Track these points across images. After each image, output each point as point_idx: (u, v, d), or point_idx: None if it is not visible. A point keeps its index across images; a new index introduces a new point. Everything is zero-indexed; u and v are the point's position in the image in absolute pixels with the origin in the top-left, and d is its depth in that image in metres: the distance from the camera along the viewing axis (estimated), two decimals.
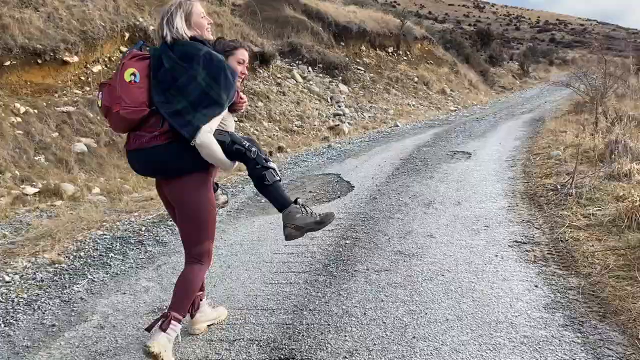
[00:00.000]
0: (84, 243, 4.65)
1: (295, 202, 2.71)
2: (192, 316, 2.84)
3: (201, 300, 2.89)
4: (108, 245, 4.59)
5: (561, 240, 4.01)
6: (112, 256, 4.33)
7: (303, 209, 2.69)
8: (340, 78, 18.35)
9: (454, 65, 27.08)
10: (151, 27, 11.78)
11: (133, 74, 2.41)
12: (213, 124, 2.47)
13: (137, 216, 5.62)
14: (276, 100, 14.23)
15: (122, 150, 9.02)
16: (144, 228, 5.09)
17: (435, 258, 3.83)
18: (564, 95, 20.21)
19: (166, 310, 2.52)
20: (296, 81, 16.20)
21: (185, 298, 2.55)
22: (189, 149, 2.42)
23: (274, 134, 12.23)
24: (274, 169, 2.68)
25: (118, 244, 4.64)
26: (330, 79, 17.79)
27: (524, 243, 4.05)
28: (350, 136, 12.59)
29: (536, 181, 5.93)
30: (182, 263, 2.75)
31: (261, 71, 15.34)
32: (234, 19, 16.98)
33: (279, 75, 15.90)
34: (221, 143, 2.51)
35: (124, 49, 11.36)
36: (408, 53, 24.27)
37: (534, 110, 15.11)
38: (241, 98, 2.74)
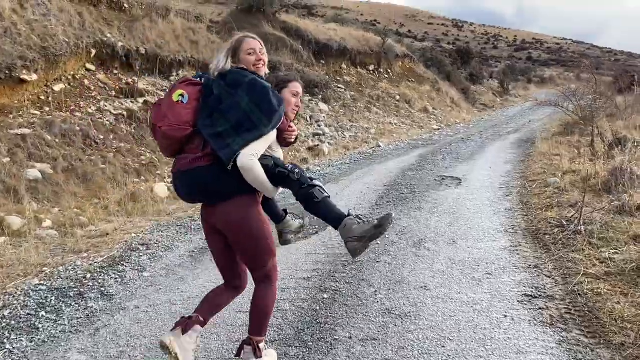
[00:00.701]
0: (14, 297, 3.89)
1: (348, 214, 2.61)
2: (183, 332, 2.54)
3: (200, 325, 2.63)
4: (41, 300, 3.83)
5: (579, 294, 3.38)
6: (43, 316, 3.57)
7: (358, 219, 2.60)
8: (321, 97, 17.80)
9: (435, 83, 26.80)
10: (120, 44, 11.09)
11: (182, 95, 2.50)
12: (259, 148, 2.47)
13: (85, 258, 4.86)
14: None
15: (81, 176, 8.30)
16: (89, 275, 4.34)
17: (432, 320, 3.17)
18: (547, 113, 19.94)
19: (247, 338, 2.60)
20: None
21: (262, 321, 2.63)
22: (232, 173, 2.42)
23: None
24: (320, 187, 2.64)
25: (54, 297, 3.88)
26: (310, 98, 17.21)
27: (536, 297, 3.41)
28: (330, 157, 11.97)
29: (537, 214, 5.34)
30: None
31: None
32: (211, 36, 16.38)
33: None
34: (264, 167, 2.49)
35: (90, 66, 10.64)
36: (389, 71, 23.90)
37: (520, 130, 14.69)
38: (290, 127, 2.72)
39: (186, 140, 2.48)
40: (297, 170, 2.60)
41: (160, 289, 3.98)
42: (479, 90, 34.30)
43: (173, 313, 3.52)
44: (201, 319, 2.62)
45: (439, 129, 18.24)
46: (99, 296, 3.89)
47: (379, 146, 13.04)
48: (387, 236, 4.95)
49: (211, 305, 2.73)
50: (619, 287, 3.38)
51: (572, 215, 4.81)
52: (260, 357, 2.54)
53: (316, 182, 2.64)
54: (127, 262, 4.62)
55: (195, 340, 2.55)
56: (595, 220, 4.58)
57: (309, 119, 15.62)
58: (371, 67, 22.77)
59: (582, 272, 3.68)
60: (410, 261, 4.23)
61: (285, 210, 3.00)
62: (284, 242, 3.00)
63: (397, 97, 21.44)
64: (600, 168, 6.23)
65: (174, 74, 12.53)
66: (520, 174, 7.64)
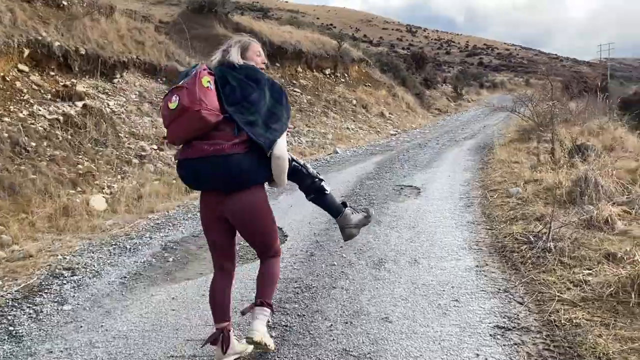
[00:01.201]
0: None
1: (345, 205, 3.06)
2: (224, 352, 2.69)
3: (229, 331, 2.76)
4: None
5: (556, 325, 3.03)
6: None
7: (352, 210, 3.08)
8: None
9: (391, 88, 26.76)
10: (57, 43, 10.26)
11: (209, 81, 2.55)
12: (284, 140, 2.66)
13: None
14: None
15: (7, 188, 7.50)
16: None
17: None
18: (501, 118, 20.15)
19: (258, 299, 2.74)
20: None
21: (272, 286, 2.84)
22: (263, 161, 2.57)
23: None
24: (325, 181, 3.02)
25: None
26: None
27: (509, 330, 3.04)
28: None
29: (501, 228, 5.03)
30: None
31: None
32: (159, 36, 15.62)
33: None
34: None
35: (23, 67, 9.78)
36: (346, 75, 23.65)
37: (476, 136, 14.64)
38: None
39: (214, 126, 2.51)
40: (308, 166, 2.96)
41: (81, 326, 3.40)
42: (433, 95, 34.62)
43: (93, 357, 2.96)
44: (225, 325, 2.74)
45: (395, 134, 18.07)
46: (6, 338, 3.28)
47: (337, 152, 12.66)
48: (344, 256, 4.53)
49: (222, 304, 2.78)
50: (599, 316, 3.05)
51: (540, 231, 4.51)
52: (267, 317, 2.78)
53: (322, 177, 3.02)
54: (46, 292, 4.01)
55: (232, 342, 2.77)
56: (565, 236, 4.29)
57: None
58: (327, 71, 22.45)
59: (556, 298, 3.34)
60: (370, 286, 3.81)
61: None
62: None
63: (354, 102, 21.19)
64: (563, 177, 6.02)
65: (117, 75, 11.77)
66: (480, 183, 7.39)
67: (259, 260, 2.87)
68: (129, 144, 10.07)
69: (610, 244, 4.07)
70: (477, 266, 4.11)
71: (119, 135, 10.07)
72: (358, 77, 24.72)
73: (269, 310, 2.77)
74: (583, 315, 3.08)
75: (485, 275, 3.91)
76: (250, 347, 2.83)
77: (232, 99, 2.57)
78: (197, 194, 8.41)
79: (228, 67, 2.66)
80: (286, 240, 5.12)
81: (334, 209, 3.03)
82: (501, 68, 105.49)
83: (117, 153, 9.47)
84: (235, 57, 2.68)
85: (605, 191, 5.23)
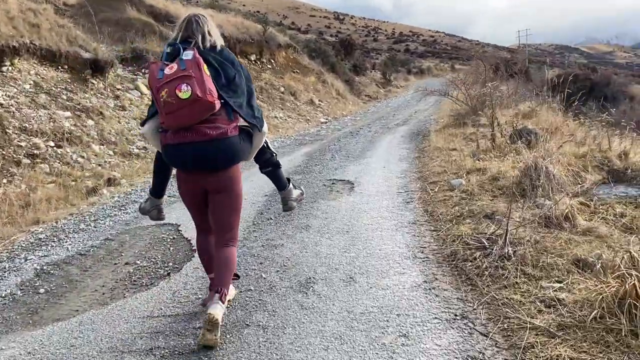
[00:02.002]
0: None
1: (289, 180, 3.52)
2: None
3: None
4: None
5: None
6: None
7: (293, 186, 3.56)
8: (150, 92, 16.05)
9: (320, 75, 26.01)
10: None
11: (207, 68, 2.63)
12: None
13: None
14: (113, 117, 11.53)
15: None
16: None
17: None
18: (431, 103, 19.91)
19: (217, 288, 2.81)
20: (141, 93, 13.54)
21: (230, 275, 2.93)
22: (249, 140, 2.89)
23: (106, 161, 9.62)
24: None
25: None
26: None
27: None
28: None
29: (448, 229, 4.33)
30: None
31: (94, 82, 12.49)
32: (60, 20, 13.92)
33: (118, 87, 13.14)
34: None
35: None
36: (272, 61, 22.61)
37: (409, 122, 14.13)
38: None
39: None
40: (268, 141, 3.20)
41: None
42: (362, 81, 34.29)
43: None
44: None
45: (326, 122, 17.32)
46: None
47: None
48: (264, 276, 3.65)
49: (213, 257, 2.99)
50: (586, 352, 2.36)
51: (494, 232, 3.84)
52: (223, 302, 2.79)
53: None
54: None
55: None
56: (523, 238, 3.64)
57: None
58: (253, 57, 21.31)
59: (528, 325, 2.63)
60: (295, 319, 2.96)
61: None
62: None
63: (282, 89, 20.22)
64: (509, 166, 5.44)
65: (7, 63, 10.19)
66: (417, 174, 6.72)
67: (217, 248, 2.96)
68: (18, 141, 8.63)
69: (577, 246, 3.46)
70: (425, 282, 3.36)
71: (6, 131, 8.61)
72: (286, 63, 23.75)
73: (224, 305, 2.81)
74: (566, 351, 2.38)
75: (437, 295, 3.16)
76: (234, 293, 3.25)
77: (219, 83, 2.68)
78: (95, 198, 7.25)
79: (205, 48, 2.73)
80: (193, 256, 4.17)
81: (282, 183, 3.43)
82: (427, 54, 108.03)
83: (3, 152, 8.06)
84: (219, 37, 2.82)
85: (558, 181, 4.67)
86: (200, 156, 2.68)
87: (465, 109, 10.54)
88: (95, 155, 9.69)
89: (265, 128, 2.93)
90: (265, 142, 3.14)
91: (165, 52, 2.73)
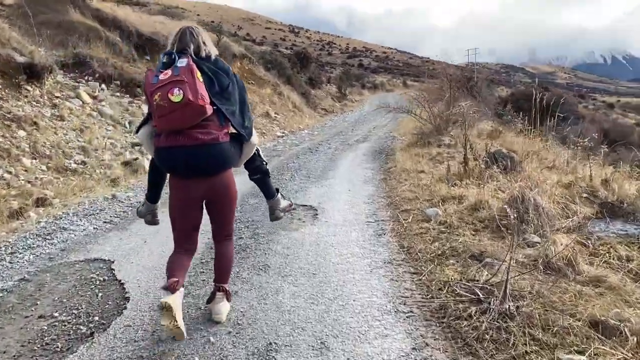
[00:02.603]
0: None
1: (277, 190, 3.57)
2: (173, 291, 2.78)
3: (179, 284, 2.86)
4: None
5: None
6: None
7: (282, 196, 3.60)
8: (144, 98, 15.03)
9: (276, 87, 25.38)
10: None
11: (200, 75, 2.74)
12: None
13: None
14: (49, 127, 10.44)
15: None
16: None
17: None
18: (388, 119, 19.59)
19: (218, 285, 3.11)
20: (82, 102, 12.45)
21: (230, 270, 3.18)
22: (239, 147, 3.00)
23: (37, 177, 8.57)
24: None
25: None
26: (131, 99, 14.32)
27: None
28: None
29: (431, 272, 3.72)
30: None
31: (29, 89, 11.35)
32: None
33: (57, 95, 12.02)
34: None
35: None
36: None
37: (369, 139, 13.61)
38: None
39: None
40: (260, 149, 3.32)
41: None
42: (318, 94, 33.88)
43: None
44: (180, 280, 2.83)
45: (283, 136, 16.64)
46: None
47: None
48: (212, 341, 2.91)
49: (181, 267, 2.93)
50: None
51: (487, 280, 3.26)
52: (229, 300, 3.18)
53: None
54: None
55: (181, 297, 2.83)
56: (523, 289, 3.07)
57: (128, 125, 12.80)
58: None
59: None
60: None
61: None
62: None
63: None
64: (487, 195, 4.93)
65: None
66: (386, 199, 6.13)
67: (216, 243, 3.15)
68: None
69: (589, 302, 2.91)
70: (414, 349, 2.72)
71: None
72: (240, 74, 22.97)
73: (229, 303, 3.12)
74: None
75: None
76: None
77: (213, 90, 2.79)
78: (18, 223, 6.26)
79: (198, 57, 2.85)
80: (125, 306, 3.39)
81: (270, 191, 3.48)
82: (379, 70, 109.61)
83: None
84: (213, 47, 2.97)
85: (547, 214, 4.17)
86: (191, 160, 2.74)
87: (429, 128, 10.12)
88: (26, 170, 8.63)
89: (254, 138, 3.03)
90: (257, 150, 3.25)
91: (161, 61, 2.83)
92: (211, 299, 3.12)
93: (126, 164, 10.40)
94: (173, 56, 2.76)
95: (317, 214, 5.54)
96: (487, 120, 12.77)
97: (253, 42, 73.02)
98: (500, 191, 5.02)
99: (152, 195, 3.37)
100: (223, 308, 3.04)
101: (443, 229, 4.57)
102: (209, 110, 2.70)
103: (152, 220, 3.49)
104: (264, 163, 3.38)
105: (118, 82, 14.61)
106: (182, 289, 2.84)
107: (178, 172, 2.84)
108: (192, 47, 2.84)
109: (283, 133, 17.54)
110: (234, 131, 2.91)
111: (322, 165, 8.92)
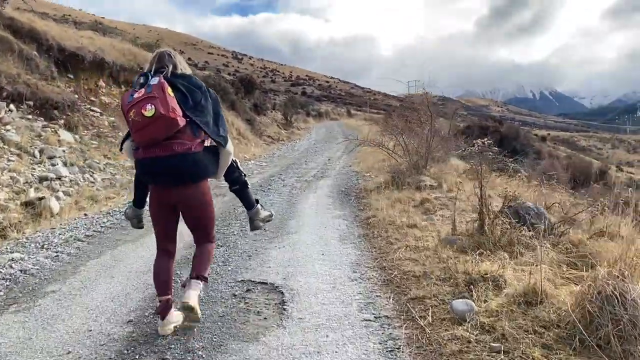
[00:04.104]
0: None
1: (257, 201, 3.77)
2: (162, 318, 3.14)
3: (171, 302, 3.19)
4: None
5: None
6: None
7: (261, 206, 3.78)
8: (63, 122, 12.74)
9: None
10: None
11: (171, 91, 2.96)
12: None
13: None
14: None
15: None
16: None
17: None
18: (340, 149, 18.07)
19: (195, 274, 3.18)
20: None
21: (208, 263, 3.31)
22: (214, 157, 3.19)
23: None
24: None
25: None
26: (46, 123, 11.97)
27: None
28: (61, 222, 7.45)
29: None
30: None
31: None
32: None
33: None
34: None
35: None
36: None
37: (327, 174, 11.86)
38: None
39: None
40: (237, 161, 3.55)
41: None
42: (264, 121, 32.25)
43: None
44: (170, 297, 3.18)
45: None
46: None
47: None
48: None
49: (167, 278, 3.20)
50: None
51: None
52: (199, 289, 3.20)
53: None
54: None
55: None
56: None
57: (37, 154, 10.48)
58: None
59: None
60: None
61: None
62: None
63: None
64: (544, 278, 3.30)
65: None
66: (380, 272, 4.35)
67: (197, 245, 3.34)
68: None
69: None
70: None
71: None
72: None
73: (201, 283, 3.18)
74: None
75: None
76: (180, 318, 3.21)
77: (187, 105, 2.99)
78: None
79: (174, 75, 3.09)
80: None
81: (250, 202, 3.71)
82: (323, 98, 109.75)
83: None
84: (187, 68, 3.23)
85: None
86: (166, 169, 2.96)
87: (403, 164, 8.53)
88: None
89: (229, 146, 3.21)
90: (235, 162, 3.49)
91: (138, 82, 3.01)
92: (185, 284, 3.20)
93: (27, 204, 8.14)
94: (148, 76, 3.00)
95: (284, 303, 3.69)
96: (453, 156, 11.43)
97: (195, 67, 70.54)
98: (556, 270, 3.42)
99: (137, 201, 3.57)
100: (193, 294, 3.10)
101: (492, 342, 2.87)
102: (182, 122, 2.91)
103: (138, 224, 3.68)
104: (243, 175, 3.60)
105: (31, 103, 12.26)
106: (172, 304, 3.16)
107: (155, 181, 3.09)
108: (170, 67, 3.08)
109: None
110: (208, 144, 3.09)
111: (280, 211, 7.06)
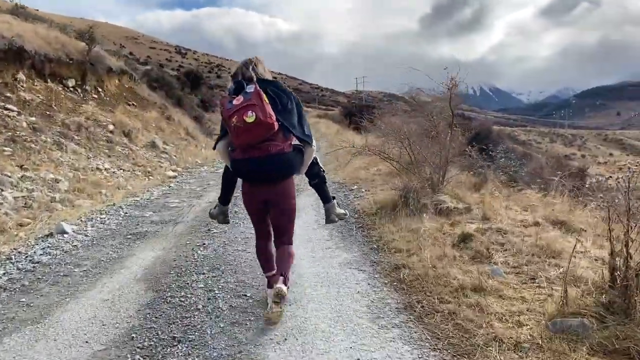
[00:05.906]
0: None
1: (334, 197, 4.07)
2: (270, 287, 3.52)
3: (277, 277, 3.50)
4: None
5: None
6: None
7: (337, 202, 4.10)
8: (222, 119, 9.95)
9: (164, 109, 20.88)
10: None
11: (266, 98, 3.18)
12: None
13: None
14: None
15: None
16: None
17: None
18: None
19: (281, 272, 3.43)
20: None
21: (290, 265, 3.58)
22: (300, 156, 3.43)
23: None
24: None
25: None
26: None
27: None
28: None
29: None
30: None
31: None
32: None
33: None
34: None
35: None
36: (100, 90, 16.98)
37: (305, 186, 9.75)
38: None
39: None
40: (317, 156, 3.78)
41: None
42: (213, 118, 29.72)
43: None
44: (276, 271, 3.53)
45: (175, 177, 12.33)
46: None
47: (63, 233, 6.45)
48: None
49: (269, 256, 3.67)
50: None
51: None
52: (287, 285, 3.46)
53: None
54: None
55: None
56: None
57: None
58: (70, 82, 15.47)
59: None
60: None
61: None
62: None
63: (111, 127, 14.64)
64: None
65: None
66: None
67: (277, 247, 3.57)
68: None
69: None
70: None
71: None
72: (118, 93, 18.22)
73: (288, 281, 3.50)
74: None
75: None
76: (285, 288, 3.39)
77: (276, 108, 3.22)
78: None
79: (262, 81, 3.30)
80: None
81: (327, 196, 4.00)
82: None
83: None
84: (269, 74, 3.48)
85: None
86: (262, 168, 3.24)
87: (415, 180, 6.57)
88: None
89: (314, 144, 3.49)
90: (315, 158, 3.70)
91: (232, 88, 3.28)
92: (273, 282, 3.46)
93: None
94: (241, 82, 3.23)
95: None
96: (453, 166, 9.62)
97: (137, 62, 66.22)
98: None
99: (224, 198, 3.91)
100: (283, 285, 3.33)
101: None
102: (276, 126, 3.15)
103: (224, 220, 4.00)
104: (322, 170, 3.93)
105: None
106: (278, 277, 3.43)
107: (250, 178, 3.37)
108: (257, 74, 3.33)
109: (175, 172, 13.20)
110: (296, 143, 3.35)
111: (251, 249, 4.97)
